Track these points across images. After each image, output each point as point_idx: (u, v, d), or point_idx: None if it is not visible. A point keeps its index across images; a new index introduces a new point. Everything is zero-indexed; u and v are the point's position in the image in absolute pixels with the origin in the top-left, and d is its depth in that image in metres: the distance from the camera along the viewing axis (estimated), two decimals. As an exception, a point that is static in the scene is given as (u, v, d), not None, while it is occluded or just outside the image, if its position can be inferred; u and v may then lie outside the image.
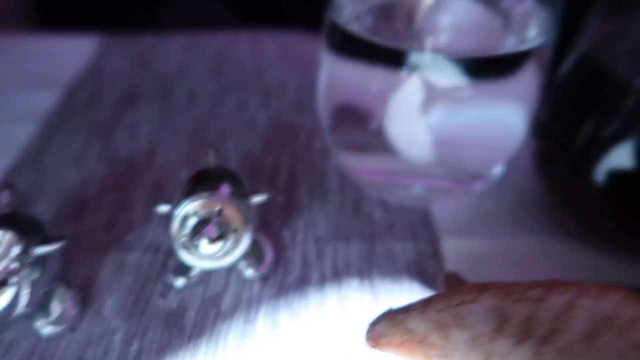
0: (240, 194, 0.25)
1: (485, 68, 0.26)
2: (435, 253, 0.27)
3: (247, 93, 0.41)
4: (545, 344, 0.16)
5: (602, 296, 0.16)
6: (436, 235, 0.28)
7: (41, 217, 0.24)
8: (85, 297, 0.25)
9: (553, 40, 0.26)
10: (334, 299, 0.25)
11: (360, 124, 0.28)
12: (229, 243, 0.23)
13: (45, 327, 0.23)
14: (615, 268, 0.26)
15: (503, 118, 0.28)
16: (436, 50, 0.25)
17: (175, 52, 0.46)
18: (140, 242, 0.28)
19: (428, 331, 0.18)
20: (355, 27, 0.26)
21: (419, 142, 0.27)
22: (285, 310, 0.24)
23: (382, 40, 0.25)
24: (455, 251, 0.27)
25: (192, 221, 0.23)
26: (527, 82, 0.27)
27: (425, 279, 0.26)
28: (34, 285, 0.22)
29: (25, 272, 0.21)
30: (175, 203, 0.24)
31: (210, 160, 0.26)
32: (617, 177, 0.24)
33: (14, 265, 0.21)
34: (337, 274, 0.26)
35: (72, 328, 0.23)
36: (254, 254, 0.26)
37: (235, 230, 0.23)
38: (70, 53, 0.45)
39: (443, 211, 0.30)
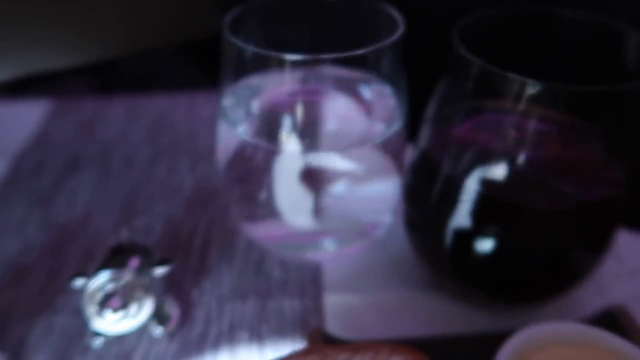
0: (148, 265, 0.30)
1: (356, 154, 0.31)
2: (318, 308, 0.32)
3: (178, 157, 0.46)
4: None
5: (390, 356, 0.21)
6: (321, 291, 0.33)
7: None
8: (16, 358, 0.29)
9: (403, 124, 0.31)
10: (226, 353, 0.30)
11: (252, 196, 0.33)
12: (132, 311, 0.28)
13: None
14: (469, 317, 0.32)
15: (382, 185, 0.33)
16: (310, 146, 0.30)
17: (117, 116, 0.51)
18: (67, 306, 0.32)
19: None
20: (240, 130, 0.31)
21: (301, 210, 0.32)
22: (184, 363, 0.29)
23: (260, 142, 0.30)
24: (336, 305, 0.32)
25: (100, 294, 0.28)
26: (392, 157, 0.32)
27: (306, 333, 0.31)
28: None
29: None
30: (90, 277, 0.29)
31: (123, 236, 0.31)
32: (456, 242, 0.29)
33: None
34: (232, 330, 0.31)
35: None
36: (161, 315, 0.30)
37: (138, 299, 0.28)
38: (20, 119, 0.50)
39: (332, 268, 0.35)
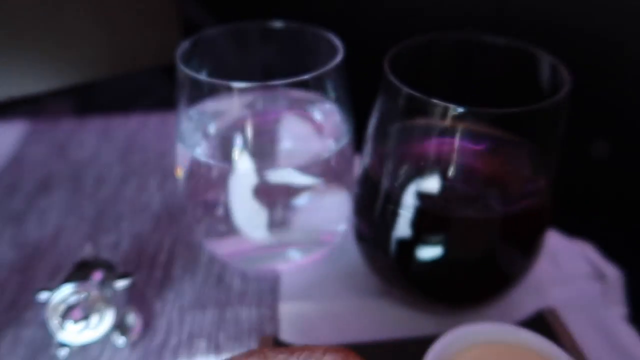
0: (110, 279, 0.32)
1: (308, 169, 0.34)
2: (274, 317, 0.34)
3: (148, 176, 0.48)
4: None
5: (323, 356, 0.23)
6: (277, 301, 0.35)
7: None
8: (-17, 369, 0.31)
9: (350, 140, 0.34)
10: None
11: (212, 215, 0.35)
12: (94, 322, 0.30)
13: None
14: (416, 322, 0.34)
15: (335, 197, 0.36)
16: (264, 163, 0.33)
17: (90, 137, 0.53)
18: (35, 319, 0.34)
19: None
20: (197, 151, 0.33)
21: (258, 225, 0.34)
22: (144, 371, 0.31)
23: (216, 162, 0.32)
24: (291, 313, 0.34)
25: (62, 306, 0.29)
26: (342, 170, 0.35)
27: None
28: None
29: None
30: (53, 290, 0.30)
31: (88, 251, 0.33)
32: (398, 252, 0.31)
33: None
34: (191, 339, 0.33)
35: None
36: (123, 325, 0.32)
37: (99, 311, 0.30)
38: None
39: (289, 278, 0.37)
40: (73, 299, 0.30)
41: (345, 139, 0.34)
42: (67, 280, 0.31)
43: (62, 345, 0.31)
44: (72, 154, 0.51)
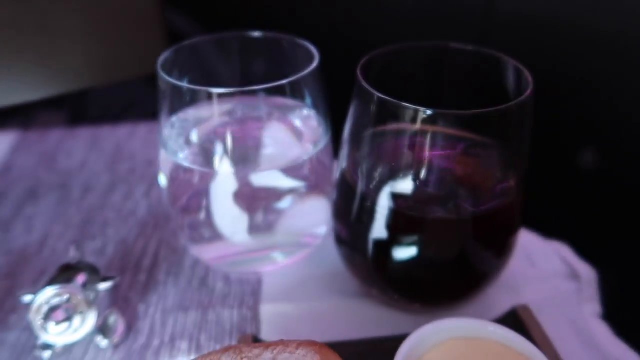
0: (94, 282, 0.32)
1: (288, 173, 0.35)
2: (255, 318, 0.35)
3: (135, 184, 0.48)
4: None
5: (296, 350, 0.24)
6: (259, 302, 0.36)
7: None
8: (-32, 372, 0.31)
9: (328, 143, 0.35)
10: (166, 360, 0.32)
11: (195, 220, 0.36)
12: (76, 323, 0.30)
13: None
14: (394, 321, 0.34)
15: (315, 200, 0.36)
16: (245, 168, 0.33)
17: (79, 146, 0.54)
18: (20, 322, 0.34)
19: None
20: (180, 157, 0.34)
21: (240, 228, 0.35)
22: (126, 372, 0.31)
23: (198, 168, 0.33)
24: (273, 314, 0.35)
25: (45, 308, 0.30)
26: (321, 173, 0.36)
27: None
28: None
29: None
30: (37, 292, 0.31)
31: (72, 256, 0.34)
32: (375, 253, 0.32)
33: None
34: (173, 340, 0.33)
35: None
36: (106, 327, 0.33)
37: (81, 313, 0.31)
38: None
39: (271, 280, 0.38)
40: (56, 301, 0.30)
41: (322, 143, 0.35)
42: (51, 282, 0.31)
43: (46, 346, 0.32)
44: (61, 162, 0.51)
